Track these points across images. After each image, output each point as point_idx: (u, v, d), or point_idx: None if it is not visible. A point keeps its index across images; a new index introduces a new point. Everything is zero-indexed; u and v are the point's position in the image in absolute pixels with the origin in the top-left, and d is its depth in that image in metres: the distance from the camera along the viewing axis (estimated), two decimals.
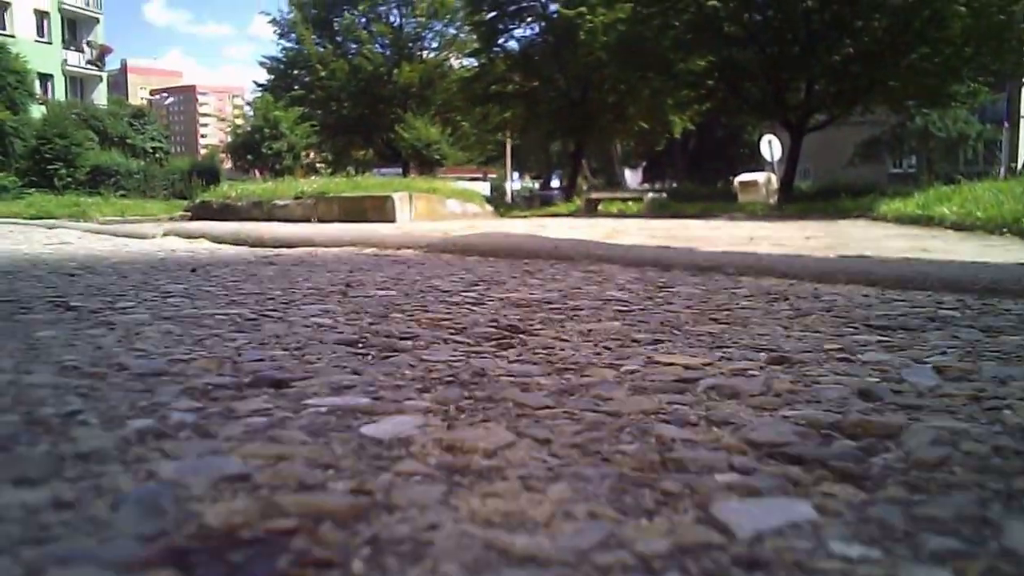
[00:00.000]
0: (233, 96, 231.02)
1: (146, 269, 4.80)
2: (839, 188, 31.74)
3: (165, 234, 9.54)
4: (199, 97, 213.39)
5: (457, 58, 39.54)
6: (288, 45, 41.62)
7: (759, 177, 34.37)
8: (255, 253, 6.75)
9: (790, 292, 3.57)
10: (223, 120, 53.43)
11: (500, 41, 36.04)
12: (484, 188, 62.29)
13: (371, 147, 42.33)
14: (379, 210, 20.27)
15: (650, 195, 23.93)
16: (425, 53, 39.48)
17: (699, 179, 48.78)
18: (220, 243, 8.07)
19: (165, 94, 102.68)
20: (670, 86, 29.73)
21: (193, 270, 4.66)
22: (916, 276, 3.68)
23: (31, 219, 22.99)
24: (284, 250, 7.18)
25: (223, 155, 41.31)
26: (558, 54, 32.73)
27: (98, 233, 10.50)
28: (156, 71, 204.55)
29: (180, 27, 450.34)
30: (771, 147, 28.57)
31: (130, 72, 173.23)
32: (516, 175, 54.81)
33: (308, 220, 21.87)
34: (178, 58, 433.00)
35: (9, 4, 48.16)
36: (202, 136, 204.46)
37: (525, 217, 25.02)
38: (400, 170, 44.59)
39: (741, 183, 36.18)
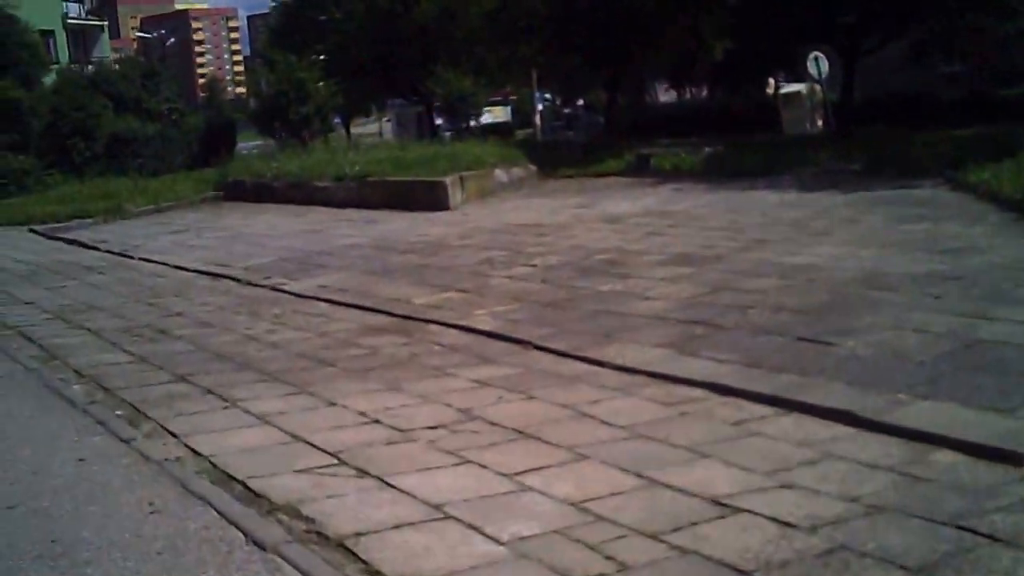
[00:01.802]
0: (228, 19, 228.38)
1: None
2: (893, 103, 31.02)
3: None
4: (192, 23, 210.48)
5: None
6: None
7: (802, 88, 33.85)
8: None
9: None
10: (238, 85, 53.05)
11: None
12: (505, 114, 61.65)
13: (393, 93, 41.81)
14: (430, 196, 20.07)
15: (707, 150, 23.44)
16: None
17: (727, 86, 47.71)
18: None
19: (162, 31, 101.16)
20: (706, 12, 29.16)
21: None
22: None
23: (70, 219, 23.07)
24: None
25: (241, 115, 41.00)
26: None
27: None
28: None
29: None
30: (818, 64, 27.79)
31: (120, 3, 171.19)
32: (537, 95, 53.82)
33: (352, 205, 21.74)
34: None
35: None
36: (199, 67, 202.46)
37: (572, 177, 24.62)
38: (417, 101, 43.93)
39: (785, 96, 35.60)
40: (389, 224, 18.24)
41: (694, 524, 4.22)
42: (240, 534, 4.34)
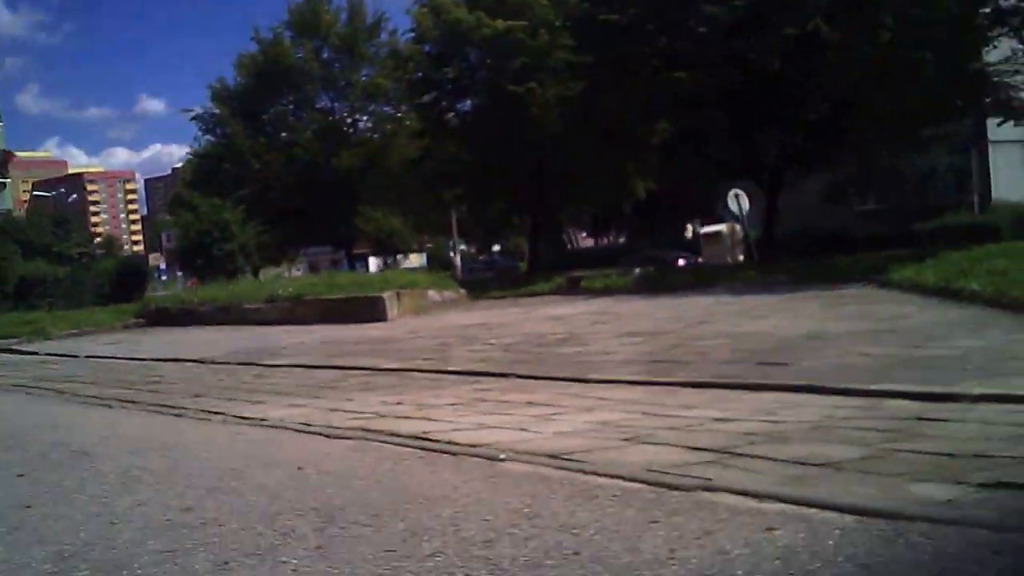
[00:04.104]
0: (125, 181, 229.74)
1: None
2: (810, 237, 33.09)
3: None
4: (88, 185, 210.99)
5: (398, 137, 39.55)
6: (215, 140, 42.46)
7: (723, 228, 35.78)
8: None
9: None
10: (169, 227, 54.09)
11: (445, 119, 36.81)
12: (421, 260, 63.17)
13: (313, 237, 43.10)
14: (369, 310, 20.88)
15: (637, 270, 24.87)
16: (364, 135, 39.95)
17: (649, 231, 50.11)
18: None
19: (61, 189, 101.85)
20: (632, 154, 31.04)
21: None
22: None
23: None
24: None
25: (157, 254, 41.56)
26: (507, 126, 33.42)
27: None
28: (38, 163, 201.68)
29: (58, 114, 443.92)
30: (739, 201, 29.57)
31: (11, 167, 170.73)
32: (452, 244, 55.65)
33: (285, 323, 22.44)
34: (58, 147, 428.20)
35: None
36: (94, 226, 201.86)
37: (504, 298, 25.75)
38: (330, 248, 45.17)
39: (705, 235, 37.60)
40: (331, 332, 18.93)
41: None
42: None
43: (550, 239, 44.44)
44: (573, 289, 25.03)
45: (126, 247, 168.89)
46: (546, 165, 34.01)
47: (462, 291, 26.40)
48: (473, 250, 64.25)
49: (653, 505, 4.06)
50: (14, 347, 19.74)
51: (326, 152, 38.31)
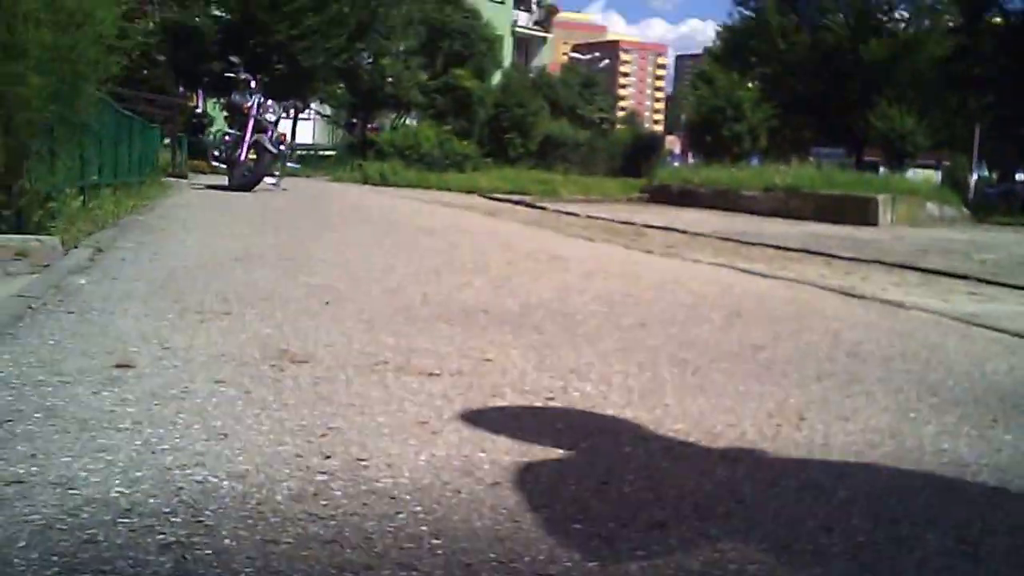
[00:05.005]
0: (657, 55, 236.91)
1: None
2: None
3: None
4: (621, 55, 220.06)
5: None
6: (747, 13, 43.11)
7: None
8: None
9: None
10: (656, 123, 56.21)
11: (987, 15, 34.92)
12: (934, 177, 60.53)
13: (824, 129, 42.95)
14: (859, 212, 21.08)
15: None
16: (896, 25, 38.87)
17: None
18: None
19: (595, 52, 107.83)
20: None
21: None
22: None
23: (510, 193, 26.27)
24: None
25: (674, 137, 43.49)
26: None
27: None
28: (580, 25, 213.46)
29: None
30: None
31: (555, 27, 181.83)
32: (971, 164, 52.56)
33: (778, 215, 23.18)
34: (600, 11, 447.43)
35: None
36: (620, 98, 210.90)
37: (1010, 225, 24.83)
38: (842, 151, 44.69)
39: None
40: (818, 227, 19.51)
41: None
42: None
43: None
44: None
45: (646, 125, 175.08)
46: None
47: (965, 211, 25.74)
48: (995, 176, 60.40)
49: None
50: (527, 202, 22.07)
51: (855, 39, 37.79)
